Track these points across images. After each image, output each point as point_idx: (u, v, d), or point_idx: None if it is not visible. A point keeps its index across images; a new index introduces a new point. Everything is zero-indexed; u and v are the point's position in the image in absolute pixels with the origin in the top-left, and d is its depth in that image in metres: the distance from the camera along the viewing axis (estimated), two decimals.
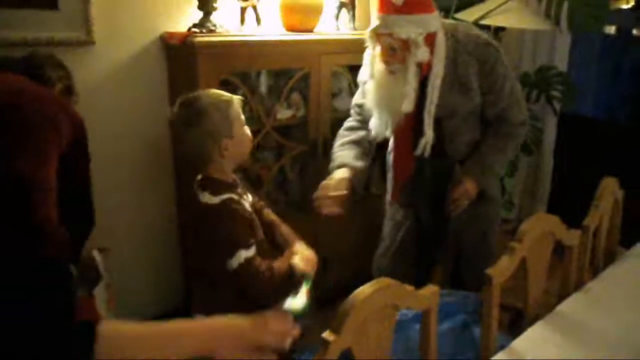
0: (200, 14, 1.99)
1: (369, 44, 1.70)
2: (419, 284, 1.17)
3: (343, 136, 1.87)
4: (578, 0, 2.70)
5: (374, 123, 1.76)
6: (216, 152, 1.36)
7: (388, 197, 2.05)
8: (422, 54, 1.57)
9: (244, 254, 1.33)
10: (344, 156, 1.78)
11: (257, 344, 0.86)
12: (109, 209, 1.93)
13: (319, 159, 2.23)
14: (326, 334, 0.97)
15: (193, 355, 0.82)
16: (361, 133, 1.85)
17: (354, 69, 2.38)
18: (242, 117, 1.40)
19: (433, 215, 1.90)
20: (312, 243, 2.34)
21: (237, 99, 1.40)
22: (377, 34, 1.61)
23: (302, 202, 2.32)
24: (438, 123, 1.71)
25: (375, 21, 1.62)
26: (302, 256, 1.44)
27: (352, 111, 1.93)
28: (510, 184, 2.94)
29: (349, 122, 1.91)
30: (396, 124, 1.72)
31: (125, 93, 2.01)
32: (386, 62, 1.62)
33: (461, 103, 1.68)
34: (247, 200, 1.46)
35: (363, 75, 1.83)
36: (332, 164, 1.79)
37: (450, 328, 1.53)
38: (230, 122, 1.35)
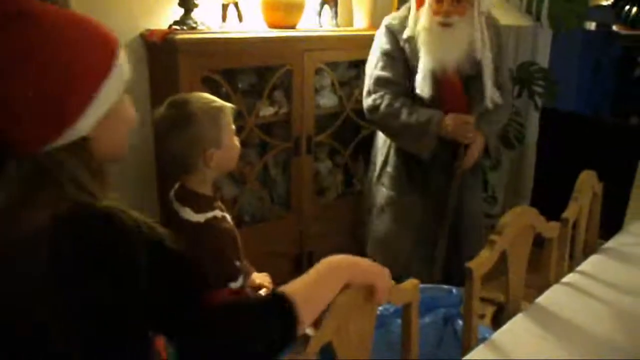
0: (182, 11, 1.97)
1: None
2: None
3: (402, 106, 1.90)
4: None
5: (419, 81, 1.87)
6: (200, 161, 1.26)
7: (383, 190, 2.08)
8: (486, 3, 1.79)
9: (232, 285, 1.28)
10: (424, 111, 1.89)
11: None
12: None
13: (302, 156, 2.23)
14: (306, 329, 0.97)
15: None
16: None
17: (337, 65, 2.39)
18: (233, 126, 1.32)
19: (445, 179, 2.00)
20: (297, 239, 2.37)
21: (229, 107, 1.31)
22: None
23: (286, 199, 2.32)
24: (466, 83, 1.92)
25: None
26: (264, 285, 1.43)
27: (383, 91, 1.93)
28: (493, 178, 2.98)
29: (393, 101, 1.91)
30: (442, 77, 1.87)
31: None
32: (446, 13, 1.77)
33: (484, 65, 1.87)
34: (228, 213, 1.37)
35: (389, 41, 1.94)
36: (422, 118, 1.88)
37: (433, 322, 1.54)
38: (219, 131, 1.26)
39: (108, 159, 0.78)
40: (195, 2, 1.98)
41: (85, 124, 0.71)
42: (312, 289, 0.89)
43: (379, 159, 2.12)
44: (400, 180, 2.05)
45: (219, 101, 1.31)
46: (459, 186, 2.01)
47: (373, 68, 2.00)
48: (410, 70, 1.93)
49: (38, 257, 0.66)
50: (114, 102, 0.75)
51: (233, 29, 2.07)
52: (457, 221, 2.06)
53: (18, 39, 0.67)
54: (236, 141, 1.34)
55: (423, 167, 2.00)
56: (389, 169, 2.08)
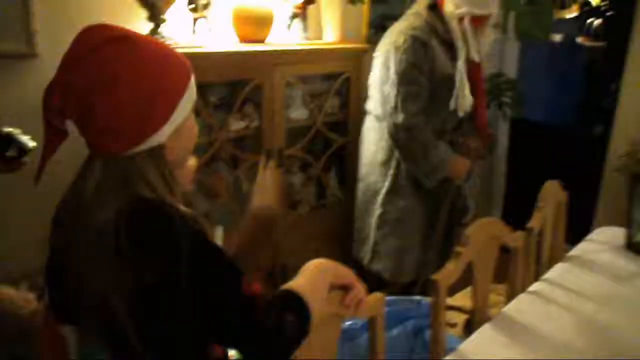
0: (150, 26, 1.97)
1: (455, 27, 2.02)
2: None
3: (429, 140, 2.10)
4: (524, 10, 2.81)
5: (461, 99, 2.08)
6: None
7: (396, 199, 2.21)
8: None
9: None
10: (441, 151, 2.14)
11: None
12: None
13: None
14: None
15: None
16: None
17: (308, 78, 2.41)
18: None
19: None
20: (272, 251, 2.36)
21: None
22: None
23: None
24: None
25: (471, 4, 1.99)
26: None
27: (414, 110, 2.05)
28: (465, 188, 3.02)
29: (424, 128, 2.08)
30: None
31: None
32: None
33: None
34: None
35: (418, 51, 2.02)
36: (436, 160, 2.11)
37: (403, 333, 1.55)
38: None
39: (175, 165, 0.90)
40: (164, 17, 1.98)
41: (163, 134, 0.83)
42: (311, 287, 0.95)
43: (383, 172, 2.21)
44: (409, 188, 2.20)
45: None
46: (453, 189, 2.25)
47: (398, 83, 2.03)
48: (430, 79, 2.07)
49: (105, 243, 0.77)
50: (185, 118, 0.87)
51: (203, 43, 2.06)
52: (451, 223, 2.27)
53: (114, 59, 0.79)
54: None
55: None
56: (402, 182, 2.19)
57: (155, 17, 1.96)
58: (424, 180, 2.14)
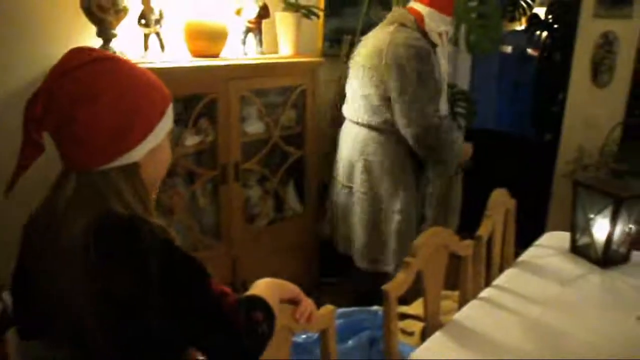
0: (100, 42, 1.94)
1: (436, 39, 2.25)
2: None
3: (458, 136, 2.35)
4: (475, 23, 2.90)
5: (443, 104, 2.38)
6: None
7: (401, 193, 2.32)
8: None
9: None
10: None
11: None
12: None
13: (230, 184, 2.23)
14: None
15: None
16: None
17: (263, 92, 2.42)
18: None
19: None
20: (229, 267, 2.34)
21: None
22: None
23: (216, 228, 2.30)
24: None
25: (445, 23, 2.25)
26: None
27: (439, 111, 2.24)
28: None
29: (452, 124, 2.36)
30: None
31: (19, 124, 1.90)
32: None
33: None
34: None
35: (429, 58, 2.18)
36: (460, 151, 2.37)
37: (359, 344, 1.57)
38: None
39: (149, 183, 0.93)
40: (114, 32, 1.96)
41: (137, 153, 0.87)
42: (267, 296, 0.99)
43: (395, 179, 2.30)
44: (411, 181, 2.36)
45: None
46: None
47: (422, 90, 2.16)
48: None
49: (76, 255, 0.80)
50: (161, 140, 0.91)
51: (155, 59, 2.05)
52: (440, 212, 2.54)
53: (99, 75, 0.83)
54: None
55: (416, 166, 2.35)
56: (409, 177, 2.33)
57: (105, 32, 1.94)
58: (450, 170, 2.43)
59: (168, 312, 0.83)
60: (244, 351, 0.90)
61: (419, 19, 2.23)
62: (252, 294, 0.98)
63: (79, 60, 0.83)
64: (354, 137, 2.33)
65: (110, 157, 0.84)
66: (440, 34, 2.25)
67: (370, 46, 2.24)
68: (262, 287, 1.02)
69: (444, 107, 2.35)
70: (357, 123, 2.31)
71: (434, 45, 2.26)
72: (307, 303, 1.11)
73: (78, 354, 0.87)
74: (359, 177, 2.32)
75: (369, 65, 2.21)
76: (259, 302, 0.96)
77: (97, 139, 0.82)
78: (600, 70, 3.01)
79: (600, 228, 1.74)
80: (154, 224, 0.85)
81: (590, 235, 1.76)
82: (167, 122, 0.92)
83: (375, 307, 1.83)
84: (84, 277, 0.80)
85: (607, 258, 1.74)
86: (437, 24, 2.23)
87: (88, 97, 0.81)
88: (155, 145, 0.90)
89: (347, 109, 2.39)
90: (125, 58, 0.92)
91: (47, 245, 0.85)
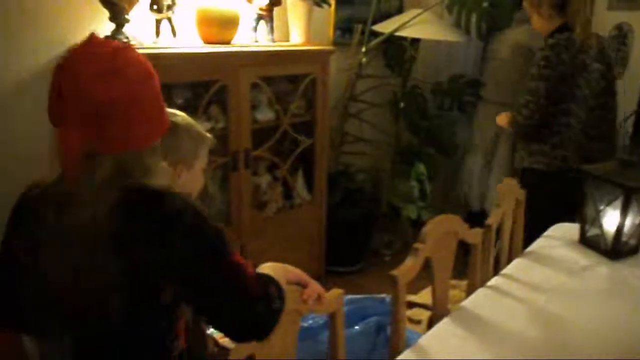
0: (113, 26, 1.95)
1: None
2: None
3: None
4: (484, 10, 2.89)
5: None
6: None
7: None
8: None
9: None
10: None
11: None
12: None
13: (240, 171, 2.24)
14: (227, 341, 0.98)
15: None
16: None
17: (274, 80, 2.42)
18: (206, 160, 1.28)
19: None
20: (239, 253, 2.35)
21: (210, 139, 1.28)
22: None
23: (226, 214, 2.31)
24: None
25: None
26: None
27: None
28: (430, 187, 3.07)
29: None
30: None
31: (30, 110, 1.92)
32: None
33: None
34: None
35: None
36: None
37: (365, 330, 1.58)
38: (195, 154, 1.22)
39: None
40: (127, 17, 1.97)
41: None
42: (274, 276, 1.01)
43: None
44: None
45: (202, 130, 1.28)
46: None
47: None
48: None
49: (102, 234, 0.82)
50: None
51: (167, 45, 2.06)
52: None
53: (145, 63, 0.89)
54: (202, 177, 1.30)
55: None
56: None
57: (118, 17, 1.95)
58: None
59: (193, 280, 0.86)
60: (264, 322, 0.93)
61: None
62: (261, 272, 1.00)
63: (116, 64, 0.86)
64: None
65: (152, 137, 0.89)
66: None
67: None
68: (268, 269, 1.04)
69: None
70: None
71: None
72: (315, 286, 1.12)
73: (69, 343, 0.89)
74: None
75: None
76: (269, 278, 0.98)
77: (150, 119, 0.87)
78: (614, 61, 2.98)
79: (610, 219, 1.73)
80: (185, 194, 0.91)
81: (600, 226, 1.75)
82: None
83: (382, 295, 1.84)
84: (107, 255, 0.82)
85: (616, 249, 1.73)
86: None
87: (146, 75, 0.87)
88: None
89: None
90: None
91: (64, 226, 0.84)
